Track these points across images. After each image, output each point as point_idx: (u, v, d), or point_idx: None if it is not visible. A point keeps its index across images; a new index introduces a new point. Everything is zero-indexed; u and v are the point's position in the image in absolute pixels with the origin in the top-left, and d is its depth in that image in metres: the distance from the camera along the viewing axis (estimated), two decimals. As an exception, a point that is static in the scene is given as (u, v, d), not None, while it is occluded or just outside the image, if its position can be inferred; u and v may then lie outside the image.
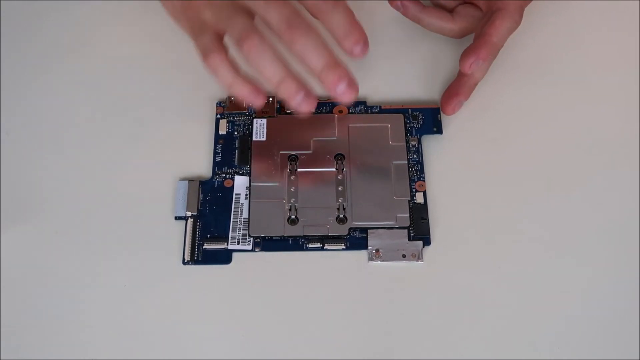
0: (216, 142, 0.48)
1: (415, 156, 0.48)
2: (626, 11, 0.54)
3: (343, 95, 0.41)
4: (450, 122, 0.49)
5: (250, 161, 0.47)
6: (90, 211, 0.46)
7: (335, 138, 0.48)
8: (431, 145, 0.48)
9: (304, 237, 0.45)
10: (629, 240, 0.45)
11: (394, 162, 0.47)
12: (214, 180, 0.47)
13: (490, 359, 0.42)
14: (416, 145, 0.48)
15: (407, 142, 0.48)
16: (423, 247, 0.45)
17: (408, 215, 0.45)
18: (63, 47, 0.53)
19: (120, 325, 0.43)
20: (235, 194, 0.47)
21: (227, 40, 0.43)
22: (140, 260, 0.45)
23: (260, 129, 0.48)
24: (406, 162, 0.47)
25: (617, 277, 0.44)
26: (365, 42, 0.41)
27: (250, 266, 0.45)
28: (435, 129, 0.49)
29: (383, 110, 0.49)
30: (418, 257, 0.44)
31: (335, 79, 0.40)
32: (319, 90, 0.47)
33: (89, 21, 0.54)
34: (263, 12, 0.41)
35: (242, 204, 0.46)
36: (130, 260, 0.45)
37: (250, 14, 0.42)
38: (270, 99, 0.49)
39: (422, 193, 0.46)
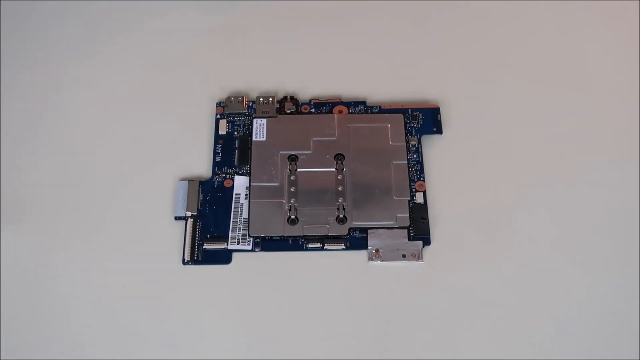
0: (216, 142, 0.48)
1: (415, 156, 0.48)
2: (626, 11, 0.54)
3: None
4: (450, 122, 0.49)
5: (250, 161, 0.47)
6: (90, 211, 0.46)
7: (335, 138, 0.48)
8: (431, 145, 0.48)
9: (304, 237, 0.45)
10: (629, 240, 0.45)
11: (394, 162, 0.47)
12: (213, 180, 0.47)
13: (490, 359, 0.42)
14: (416, 145, 0.48)
15: (407, 142, 0.48)
16: (423, 247, 0.45)
17: (408, 215, 0.45)
18: (63, 47, 0.53)
19: (120, 325, 0.43)
20: (235, 194, 0.47)
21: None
22: (140, 260, 0.45)
23: (260, 129, 0.48)
24: (406, 162, 0.47)
25: (617, 276, 0.44)
26: None
27: (250, 266, 0.45)
28: (435, 129, 0.49)
29: (383, 110, 0.49)
30: (418, 257, 0.44)
31: None
32: (320, 89, 0.47)
33: (90, 22, 0.54)
34: None
35: (242, 204, 0.46)
36: (130, 260, 0.45)
37: None
38: (270, 98, 0.49)
39: (422, 193, 0.46)
